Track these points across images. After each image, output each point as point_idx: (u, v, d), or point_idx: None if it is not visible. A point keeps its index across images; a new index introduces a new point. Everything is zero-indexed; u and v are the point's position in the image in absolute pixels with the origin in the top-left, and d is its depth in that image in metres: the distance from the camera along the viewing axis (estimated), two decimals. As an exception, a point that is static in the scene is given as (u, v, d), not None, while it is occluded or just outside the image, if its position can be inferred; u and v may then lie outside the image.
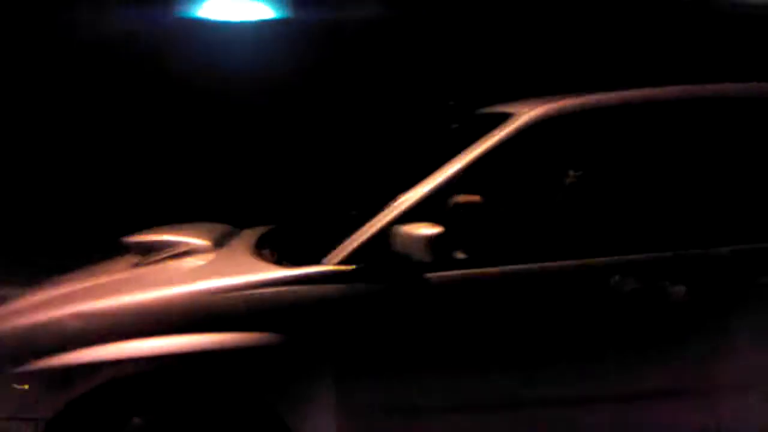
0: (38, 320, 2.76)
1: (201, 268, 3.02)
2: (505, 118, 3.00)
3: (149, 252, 3.28)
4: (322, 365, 2.67)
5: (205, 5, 9.08)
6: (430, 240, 2.62)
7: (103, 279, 3.07)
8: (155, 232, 3.45)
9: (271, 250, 3.11)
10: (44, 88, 9.01)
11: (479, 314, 2.76)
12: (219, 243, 3.30)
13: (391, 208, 2.81)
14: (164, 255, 3.20)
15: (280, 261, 2.91)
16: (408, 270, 2.72)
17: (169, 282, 2.84)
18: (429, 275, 2.72)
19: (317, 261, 2.77)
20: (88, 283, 3.04)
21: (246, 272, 2.80)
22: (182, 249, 3.24)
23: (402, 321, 2.73)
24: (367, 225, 2.79)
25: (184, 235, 3.35)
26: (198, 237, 3.32)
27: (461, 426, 2.77)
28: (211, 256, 3.14)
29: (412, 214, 2.76)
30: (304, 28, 9.09)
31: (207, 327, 2.67)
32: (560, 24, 9.33)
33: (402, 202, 2.81)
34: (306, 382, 2.67)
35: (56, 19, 8.67)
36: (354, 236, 2.79)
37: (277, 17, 9.28)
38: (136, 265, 3.18)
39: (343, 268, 2.73)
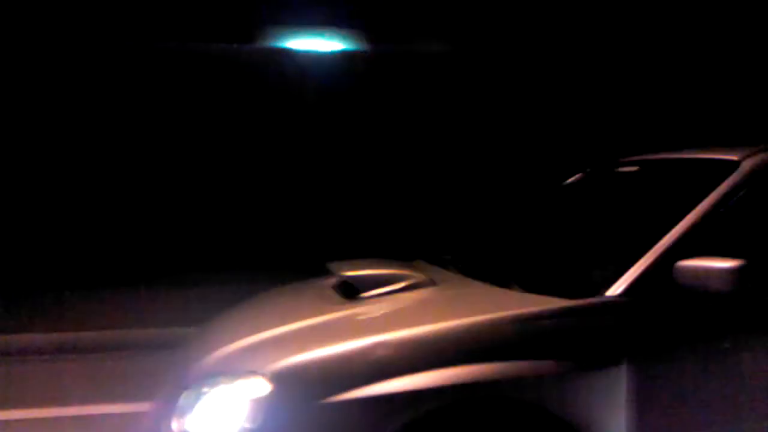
0: (343, 351, 2.84)
1: (465, 298, 3.17)
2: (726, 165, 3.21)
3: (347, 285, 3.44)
4: (614, 386, 2.83)
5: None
6: (735, 272, 2.81)
7: (348, 311, 3.20)
8: (366, 266, 3.55)
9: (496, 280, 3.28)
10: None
11: None
12: (431, 277, 3.42)
13: (659, 244, 2.99)
14: (391, 288, 3.31)
15: (529, 290, 3.10)
16: (698, 300, 2.94)
17: (452, 312, 2.98)
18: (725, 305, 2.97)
19: (589, 292, 2.97)
20: (343, 313, 3.18)
21: (517, 303, 2.97)
22: (406, 283, 3.33)
23: (687, 344, 2.95)
24: (643, 259, 2.99)
25: (397, 269, 3.48)
26: (412, 271, 3.45)
27: None
28: (449, 290, 3.30)
29: (677, 251, 2.97)
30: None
31: (508, 354, 2.83)
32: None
33: (667, 240, 3.00)
34: (600, 402, 2.83)
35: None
36: (630, 270, 2.99)
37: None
38: (359, 298, 3.31)
39: (627, 299, 2.94)
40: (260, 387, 2.76)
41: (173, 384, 3.07)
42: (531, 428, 2.79)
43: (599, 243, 3.45)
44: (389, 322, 3.00)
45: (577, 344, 2.85)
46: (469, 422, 2.76)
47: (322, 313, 3.22)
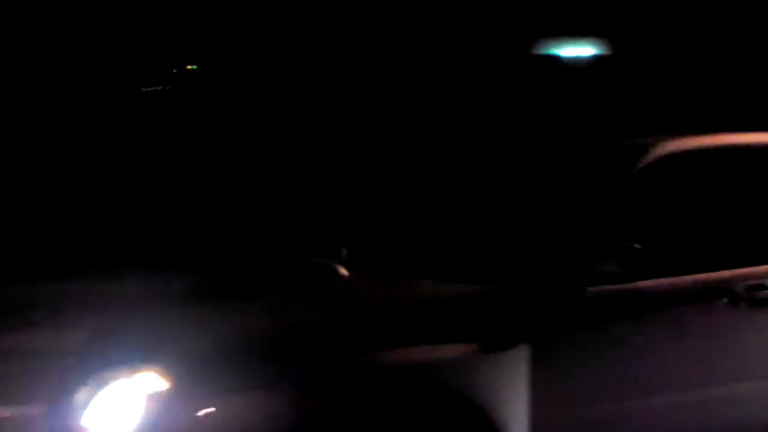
0: (240, 345, 2.87)
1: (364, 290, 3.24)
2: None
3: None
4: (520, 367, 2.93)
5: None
6: (630, 253, 3.00)
7: (246, 305, 3.25)
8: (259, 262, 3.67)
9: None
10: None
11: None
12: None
13: (559, 230, 3.16)
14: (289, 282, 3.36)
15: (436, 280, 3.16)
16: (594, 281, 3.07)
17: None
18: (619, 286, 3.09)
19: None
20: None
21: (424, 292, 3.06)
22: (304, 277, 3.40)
23: (587, 327, 3.07)
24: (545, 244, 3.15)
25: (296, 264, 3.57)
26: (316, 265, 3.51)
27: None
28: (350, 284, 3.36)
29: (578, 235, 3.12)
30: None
31: (416, 340, 2.90)
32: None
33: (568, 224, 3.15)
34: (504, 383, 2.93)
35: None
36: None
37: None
38: (258, 292, 3.35)
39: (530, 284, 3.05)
40: (157, 382, 2.75)
41: (69, 382, 3.04)
42: (438, 409, 2.86)
43: (502, 231, 3.57)
44: (286, 315, 3.05)
45: (483, 328, 2.95)
46: (378, 405, 2.81)
47: (218, 309, 3.25)
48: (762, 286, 3.29)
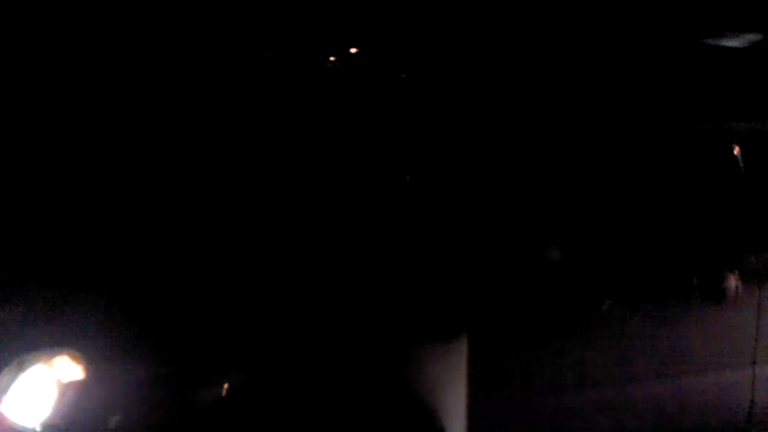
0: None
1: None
2: None
3: None
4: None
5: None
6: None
7: None
8: None
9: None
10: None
11: None
12: None
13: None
14: None
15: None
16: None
17: None
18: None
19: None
20: None
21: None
22: None
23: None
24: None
25: None
26: None
27: None
28: None
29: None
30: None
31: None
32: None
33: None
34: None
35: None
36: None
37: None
38: None
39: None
40: (73, 367, 2.68)
41: None
42: (375, 398, 2.78)
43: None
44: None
45: (420, 320, 2.87)
46: (315, 394, 2.72)
47: (137, 298, 3.08)
48: (716, 279, 3.19)
